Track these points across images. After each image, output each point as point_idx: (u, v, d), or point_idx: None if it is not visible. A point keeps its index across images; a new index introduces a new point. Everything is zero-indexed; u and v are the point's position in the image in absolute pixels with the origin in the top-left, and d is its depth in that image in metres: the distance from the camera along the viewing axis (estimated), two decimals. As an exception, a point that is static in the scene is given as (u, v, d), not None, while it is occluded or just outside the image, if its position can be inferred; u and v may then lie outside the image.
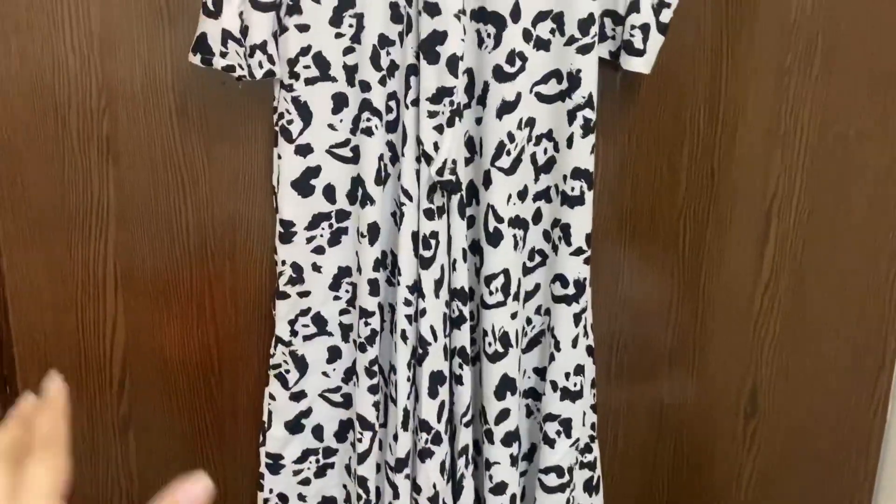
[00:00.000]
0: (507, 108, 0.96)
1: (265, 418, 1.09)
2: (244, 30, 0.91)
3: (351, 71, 0.95)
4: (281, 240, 1.02)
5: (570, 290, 1.03)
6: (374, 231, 0.99)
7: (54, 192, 1.04)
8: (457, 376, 1.03)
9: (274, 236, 1.02)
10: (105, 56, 1.00)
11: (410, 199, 0.97)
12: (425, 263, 0.99)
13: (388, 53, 0.94)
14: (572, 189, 1.00)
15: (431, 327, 1.00)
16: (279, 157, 0.99)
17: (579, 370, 1.06)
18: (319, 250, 1.02)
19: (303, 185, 0.99)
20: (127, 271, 1.09)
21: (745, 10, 1.04)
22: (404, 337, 1.01)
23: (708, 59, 1.05)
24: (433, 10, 0.90)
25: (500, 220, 1.00)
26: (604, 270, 1.12)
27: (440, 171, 0.95)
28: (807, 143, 1.09)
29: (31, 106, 1.00)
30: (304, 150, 0.98)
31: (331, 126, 0.97)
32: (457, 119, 0.94)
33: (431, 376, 1.01)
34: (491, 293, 1.01)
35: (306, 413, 1.09)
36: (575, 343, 1.05)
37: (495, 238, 1.00)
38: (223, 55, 0.91)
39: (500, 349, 1.03)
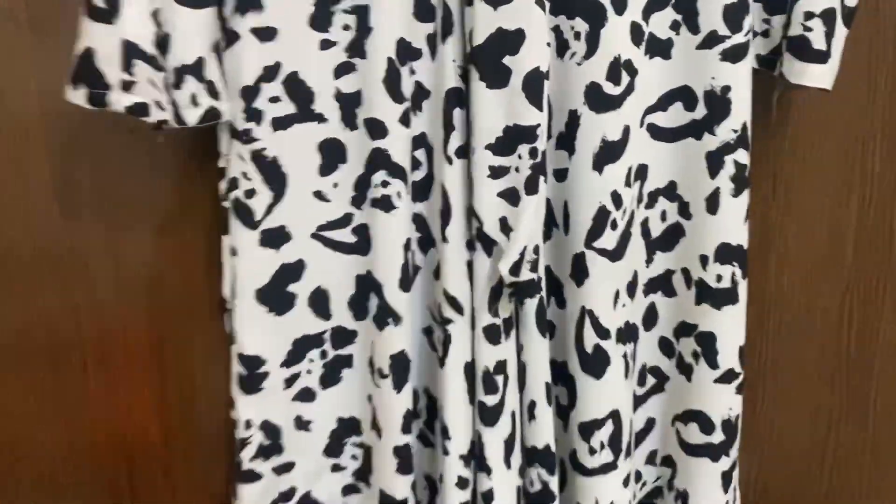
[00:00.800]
0: (610, 153, 0.65)
1: None
2: (163, 41, 0.61)
3: (350, 103, 0.66)
4: (242, 387, 0.69)
5: (717, 437, 0.72)
6: (401, 366, 0.67)
7: None
8: (542, 586, 0.69)
9: (229, 382, 0.70)
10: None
11: (461, 311, 0.66)
12: (489, 416, 0.66)
13: (412, 72, 0.65)
14: (718, 278, 0.70)
15: (502, 518, 0.68)
16: (233, 252, 0.68)
17: (728, 556, 0.72)
18: (306, 396, 0.71)
19: (276, 296, 0.69)
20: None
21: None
22: (459, 539, 0.67)
23: (890, 64, 0.77)
24: (496, -4, 0.60)
25: (604, 333, 0.68)
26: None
27: (515, 269, 0.61)
28: None
29: None
30: (275, 238, 0.68)
31: (319, 195, 0.68)
32: (541, 180, 0.62)
33: None
34: (592, 451, 0.70)
35: None
36: (724, 518, 0.71)
37: (598, 363, 0.68)
38: (127, 87, 0.61)
39: (611, 538, 0.68)
